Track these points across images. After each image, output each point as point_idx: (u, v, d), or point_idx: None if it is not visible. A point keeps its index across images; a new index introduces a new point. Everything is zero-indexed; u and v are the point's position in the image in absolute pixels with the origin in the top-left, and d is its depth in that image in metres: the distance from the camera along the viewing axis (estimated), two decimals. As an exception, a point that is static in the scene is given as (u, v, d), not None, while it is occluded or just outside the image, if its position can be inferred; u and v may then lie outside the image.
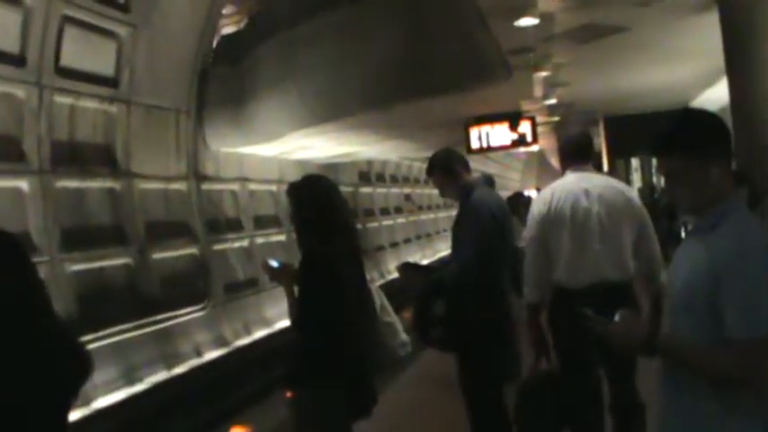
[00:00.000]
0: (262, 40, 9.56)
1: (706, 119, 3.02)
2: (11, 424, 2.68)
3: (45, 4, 7.20)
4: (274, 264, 4.97)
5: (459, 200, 5.98)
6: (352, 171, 17.33)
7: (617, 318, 3.01)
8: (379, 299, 5.08)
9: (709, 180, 2.85)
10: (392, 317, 5.13)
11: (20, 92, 7.27)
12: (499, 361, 5.75)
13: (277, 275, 4.97)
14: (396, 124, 11.55)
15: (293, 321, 4.65)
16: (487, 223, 5.69)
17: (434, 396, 8.71)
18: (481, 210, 5.73)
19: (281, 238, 12.42)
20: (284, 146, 10.97)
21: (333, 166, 15.00)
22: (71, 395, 3.00)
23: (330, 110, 9.19)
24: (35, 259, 5.03)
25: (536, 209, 5.63)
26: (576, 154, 5.75)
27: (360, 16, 8.61)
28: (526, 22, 10.06)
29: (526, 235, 5.73)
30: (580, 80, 15.40)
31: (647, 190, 26.75)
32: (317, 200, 4.72)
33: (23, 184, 7.33)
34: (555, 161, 36.49)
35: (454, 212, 6.30)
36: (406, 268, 6.47)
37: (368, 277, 4.96)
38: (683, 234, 20.23)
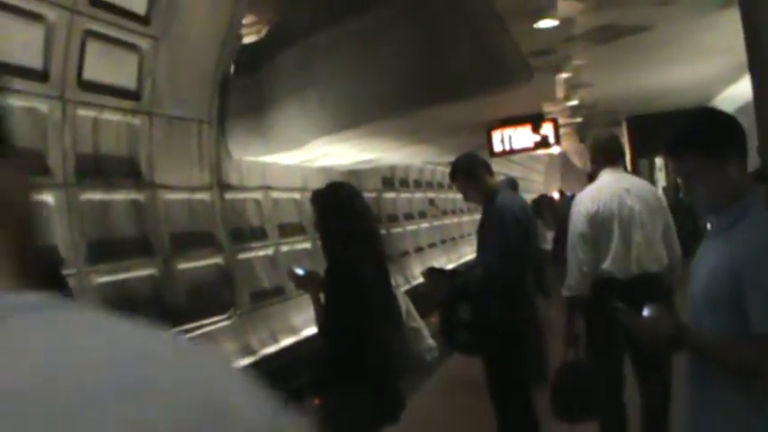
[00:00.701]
0: (282, 49, 9.59)
1: (718, 118, 3.02)
2: None
3: (67, 19, 7.26)
4: (300, 271, 4.98)
5: (483, 204, 5.98)
6: (376, 177, 17.33)
7: (646, 312, 3.00)
8: (405, 304, 5.09)
9: (726, 179, 2.84)
10: (418, 322, 5.13)
11: (43, 106, 7.32)
12: (525, 364, 5.74)
13: (303, 283, 4.99)
14: (417, 129, 11.56)
15: (319, 328, 4.66)
16: (511, 227, 5.69)
17: (462, 400, 8.69)
18: (505, 213, 5.73)
19: (306, 245, 12.43)
20: (306, 153, 11.00)
21: (356, 173, 15.02)
22: None
23: (351, 116, 9.20)
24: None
25: (584, 208, 5.83)
26: (610, 156, 6.09)
27: (379, 22, 8.63)
28: (546, 24, 10.03)
29: (574, 231, 5.77)
30: (602, 80, 15.34)
31: (672, 189, 26.57)
32: (340, 207, 4.73)
33: (49, 198, 7.38)
34: (578, 162, 36.39)
35: (478, 216, 6.31)
36: (431, 273, 6.48)
37: (393, 283, 4.97)
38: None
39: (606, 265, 5.74)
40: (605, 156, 6.10)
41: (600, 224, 5.75)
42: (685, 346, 2.91)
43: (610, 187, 5.88)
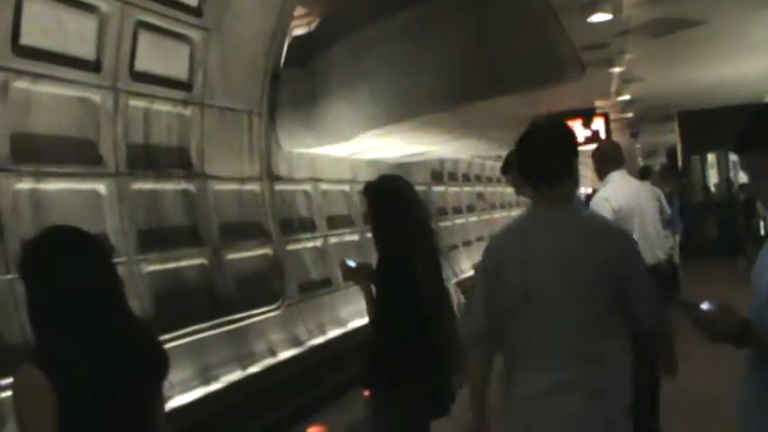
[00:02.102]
0: (333, 41, 9.57)
1: None
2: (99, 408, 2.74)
3: (119, 10, 7.31)
4: (352, 263, 4.97)
5: (534, 198, 5.92)
6: (425, 170, 17.29)
7: (705, 306, 2.96)
8: (457, 297, 5.07)
9: None
10: (470, 316, 5.10)
11: (96, 97, 7.38)
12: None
13: (354, 275, 4.97)
14: (467, 123, 11.50)
15: (371, 320, 4.64)
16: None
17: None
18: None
19: (354, 237, 12.43)
20: (356, 146, 10.98)
21: (405, 166, 14.98)
22: (151, 389, 3.04)
23: (401, 109, 9.17)
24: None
25: (610, 205, 6.58)
26: (617, 160, 7.11)
27: (430, 15, 8.58)
28: (599, 17, 9.93)
29: None
30: (654, 75, 15.17)
31: (725, 186, 26.22)
32: (392, 199, 4.71)
33: (101, 187, 7.44)
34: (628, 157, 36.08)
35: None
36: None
37: (445, 276, 4.94)
38: (761, 230, 19.87)
39: None
40: (614, 160, 7.11)
41: (623, 219, 6.38)
42: (749, 342, 2.87)
43: (627, 187, 6.82)
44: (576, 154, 3.95)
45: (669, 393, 6.73)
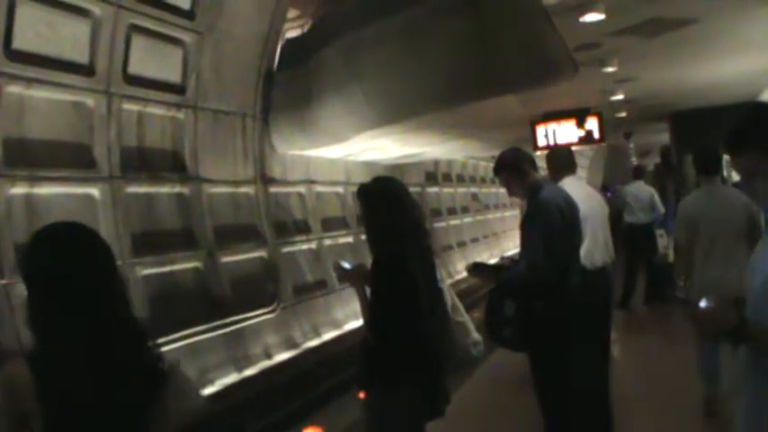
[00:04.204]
0: (326, 43, 9.57)
1: None
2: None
3: (113, 14, 7.31)
4: (346, 265, 4.98)
5: (527, 198, 5.93)
6: (419, 171, 17.33)
7: (703, 303, 2.97)
8: (451, 298, 5.07)
9: None
10: (464, 316, 5.10)
11: (90, 100, 7.39)
12: (570, 360, 5.70)
13: (349, 276, 4.97)
14: (461, 123, 11.50)
15: (365, 322, 4.65)
16: (555, 221, 5.64)
17: (507, 396, 8.67)
18: (549, 208, 5.68)
19: (349, 239, 12.44)
20: (350, 148, 10.99)
21: (399, 167, 15.01)
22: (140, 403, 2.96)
23: (396, 111, 9.17)
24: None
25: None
26: (570, 166, 7.43)
27: (423, 16, 8.57)
28: (592, 17, 9.93)
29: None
30: (647, 75, 15.17)
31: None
32: (386, 201, 4.72)
33: (94, 191, 7.44)
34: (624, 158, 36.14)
35: (521, 211, 6.35)
36: (476, 268, 6.44)
37: (438, 277, 4.94)
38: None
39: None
40: (569, 165, 7.41)
41: (583, 223, 6.36)
42: (747, 338, 2.88)
43: (583, 191, 7.16)
44: None
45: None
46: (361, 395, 4.66)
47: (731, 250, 6.73)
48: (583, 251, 6.31)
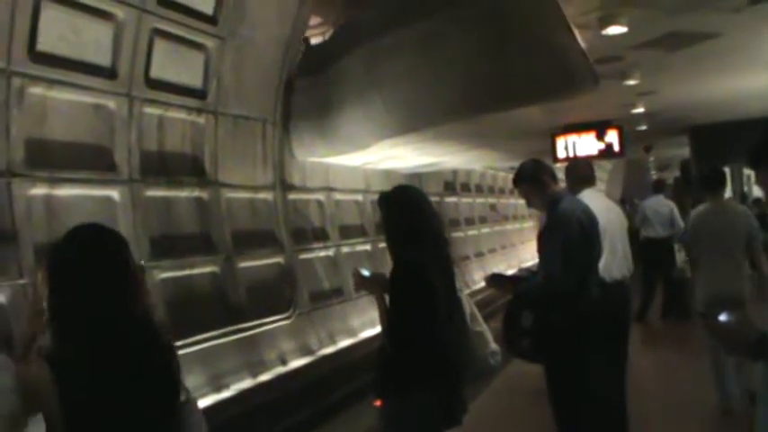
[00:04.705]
0: (347, 51, 9.58)
1: None
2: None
3: (136, 17, 7.34)
4: (365, 272, 4.96)
5: (547, 210, 5.91)
6: (438, 181, 17.32)
7: (724, 317, 2.95)
8: (470, 307, 5.05)
9: None
10: (482, 326, 5.08)
11: (111, 103, 7.42)
12: (587, 372, 5.67)
13: (368, 284, 4.96)
14: (481, 134, 11.50)
15: (383, 330, 4.63)
16: (574, 233, 5.62)
17: (523, 406, 8.63)
18: (569, 220, 5.65)
19: (367, 247, 12.44)
20: (369, 156, 11.00)
21: (418, 176, 15.01)
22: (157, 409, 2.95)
23: (415, 120, 9.17)
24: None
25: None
26: (590, 179, 7.38)
27: (445, 26, 8.58)
28: (614, 30, 9.89)
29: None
30: (669, 88, 15.11)
31: (738, 200, 26.10)
32: (407, 209, 4.71)
33: (114, 194, 7.47)
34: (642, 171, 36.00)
35: (536, 222, 6.33)
36: (494, 279, 6.42)
37: (458, 286, 4.92)
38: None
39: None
40: (588, 178, 7.36)
41: (602, 235, 6.29)
42: (766, 354, 2.87)
43: (602, 203, 7.09)
44: None
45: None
46: (377, 403, 4.65)
47: (732, 260, 7.43)
48: (601, 264, 6.25)
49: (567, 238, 5.59)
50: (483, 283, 6.70)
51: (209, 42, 8.47)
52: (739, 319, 2.95)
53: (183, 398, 3.03)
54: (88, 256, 2.87)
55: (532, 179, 5.93)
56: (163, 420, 2.91)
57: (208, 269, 8.60)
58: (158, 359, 2.94)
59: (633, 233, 10.58)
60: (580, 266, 5.63)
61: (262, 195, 9.84)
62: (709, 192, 7.85)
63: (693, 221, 7.96)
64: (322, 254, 11.21)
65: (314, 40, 11.40)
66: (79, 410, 2.69)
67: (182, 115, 8.39)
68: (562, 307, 5.55)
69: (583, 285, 5.66)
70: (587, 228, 5.76)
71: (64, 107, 6.94)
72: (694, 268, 8.02)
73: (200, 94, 8.58)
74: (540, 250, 5.90)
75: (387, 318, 4.58)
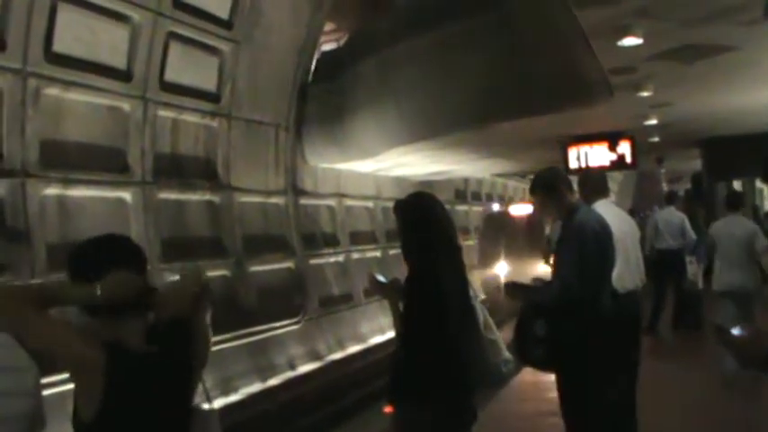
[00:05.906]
0: (361, 58, 9.59)
1: None
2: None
3: (152, 20, 7.36)
4: (381, 279, 4.96)
5: (562, 219, 5.90)
6: (449, 189, 17.32)
7: (737, 330, 2.94)
8: (483, 315, 5.03)
9: None
10: (495, 334, 5.06)
11: (126, 105, 7.44)
12: (599, 383, 5.65)
13: (383, 290, 4.95)
14: (492, 143, 11.49)
15: (398, 336, 4.63)
16: (590, 243, 5.60)
17: (534, 415, 8.60)
18: (584, 231, 5.64)
19: (377, 254, 12.43)
20: (381, 163, 11.00)
21: (429, 184, 15.00)
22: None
23: (428, 128, 9.16)
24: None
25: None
26: (603, 189, 7.18)
27: (458, 35, 8.57)
28: (630, 41, 9.87)
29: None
30: (682, 100, 15.05)
31: (751, 213, 25.99)
32: (422, 216, 4.70)
33: (127, 195, 7.48)
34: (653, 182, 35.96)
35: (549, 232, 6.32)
36: (509, 287, 6.41)
37: (471, 293, 4.91)
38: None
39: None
40: (601, 189, 7.14)
41: (615, 246, 6.24)
42: None
43: (610, 216, 6.68)
44: None
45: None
46: (388, 409, 4.63)
47: (738, 260, 8.54)
48: (615, 274, 6.24)
49: (584, 248, 5.58)
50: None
51: (224, 46, 8.49)
52: (752, 332, 2.93)
53: (207, 407, 3.03)
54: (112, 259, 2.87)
55: (549, 188, 5.91)
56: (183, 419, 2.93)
57: (218, 272, 8.60)
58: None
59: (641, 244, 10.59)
60: (595, 277, 5.62)
61: (273, 200, 9.85)
62: (731, 209, 9.13)
63: (714, 231, 9.08)
64: (332, 259, 11.21)
65: (327, 47, 11.41)
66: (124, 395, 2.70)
67: (195, 118, 8.41)
68: (575, 316, 5.54)
69: (596, 295, 5.65)
70: (602, 239, 5.74)
71: (79, 108, 6.96)
72: (707, 279, 9.25)
73: (214, 97, 8.60)
74: (555, 260, 5.89)
75: (402, 324, 4.57)
